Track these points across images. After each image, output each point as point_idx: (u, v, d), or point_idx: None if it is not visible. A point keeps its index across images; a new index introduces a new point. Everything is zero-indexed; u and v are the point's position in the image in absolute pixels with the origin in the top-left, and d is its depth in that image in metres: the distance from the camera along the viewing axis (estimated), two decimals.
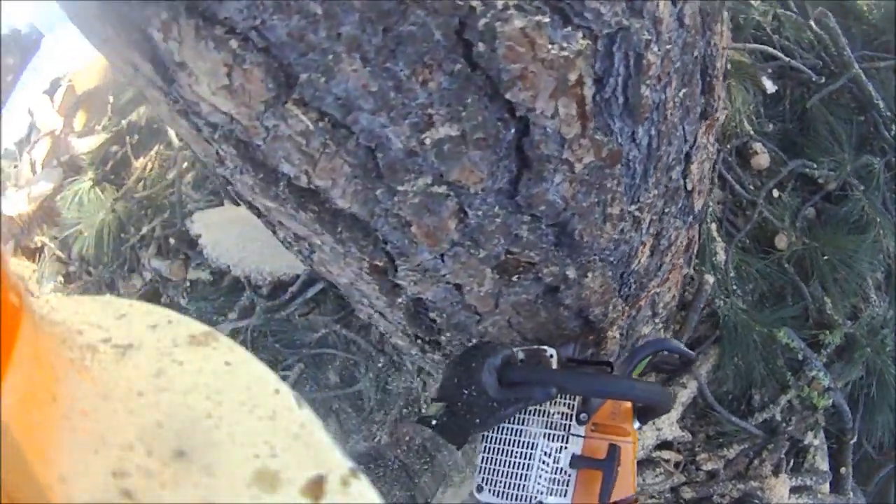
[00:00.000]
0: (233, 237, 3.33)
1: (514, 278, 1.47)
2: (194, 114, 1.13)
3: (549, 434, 1.42)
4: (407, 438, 1.31)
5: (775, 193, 3.10)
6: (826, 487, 2.80)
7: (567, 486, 1.41)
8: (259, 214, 1.54)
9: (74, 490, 0.50)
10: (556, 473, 1.41)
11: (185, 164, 3.71)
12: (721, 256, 2.83)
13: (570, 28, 1.02)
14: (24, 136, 4.60)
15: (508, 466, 1.41)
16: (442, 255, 1.35)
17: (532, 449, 1.41)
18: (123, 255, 3.72)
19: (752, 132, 3.11)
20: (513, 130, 1.12)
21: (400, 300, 1.57)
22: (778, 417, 2.80)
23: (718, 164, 2.97)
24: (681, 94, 1.34)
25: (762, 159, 3.08)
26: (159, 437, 0.54)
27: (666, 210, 1.62)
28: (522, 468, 1.41)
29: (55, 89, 4.48)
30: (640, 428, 1.59)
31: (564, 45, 1.02)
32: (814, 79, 3.26)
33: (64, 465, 0.51)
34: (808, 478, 2.75)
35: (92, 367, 0.59)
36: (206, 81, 1.02)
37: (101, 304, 0.65)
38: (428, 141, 1.09)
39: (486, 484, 1.42)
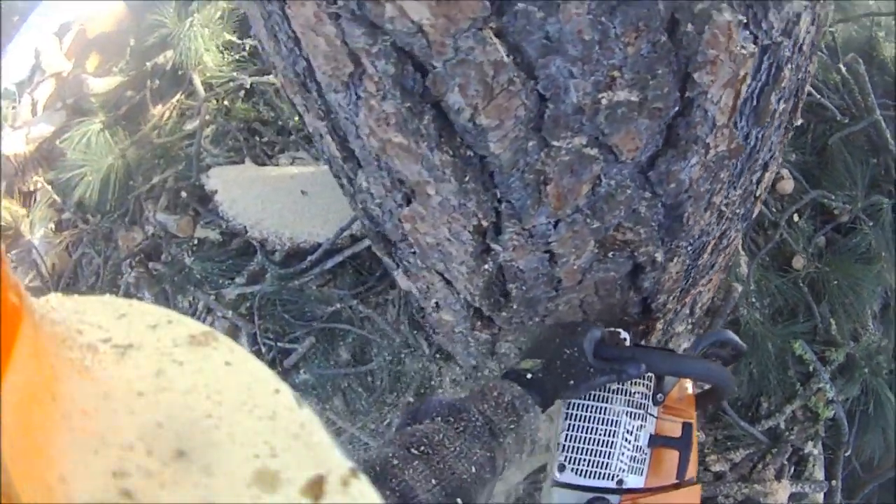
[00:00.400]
0: (252, 197, 2.93)
1: (611, 254, 1.42)
2: (356, 19, 0.97)
3: (631, 413, 1.37)
4: (495, 394, 1.21)
5: (795, 218, 3.07)
6: (820, 497, 2.74)
7: (644, 464, 1.36)
8: (347, 157, 1.39)
9: (74, 490, 0.46)
10: (636, 451, 1.36)
11: (208, 116, 3.30)
12: (744, 270, 2.80)
13: (748, 32, 1.02)
14: (27, 77, 4.15)
15: (593, 444, 1.35)
16: (557, 222, 1.29)
17: (616, 426, 1.36)
18: (127, 205, 3.28)
19: (780, 161, 2.91)
20: (678, 107, 1.09)
21: (486, 266, 1.48)
22: (782, 426, 2.76)
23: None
24: (781, 108, 1.31)
25: (787, 185, 3.04)
26: (159, 437, 0.50)
27: (738, 211, 1.58)
28: (607, 446, 1.35)
29: (65, 32, 4.11)
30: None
31: (745, 45, 1.02)
32: (838, 118, 3.19)
33: (64, 465, 0.47)
34: (807, 485, 2.68)
35: (92, 367, 0.54)
36: None
37: (101, 304, 0.59)
38: (604, 102, 1.04)
39: (570, 462, 1.35)
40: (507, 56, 0.96)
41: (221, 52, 3.46)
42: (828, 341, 2.80)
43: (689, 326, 2.28)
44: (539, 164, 1.14)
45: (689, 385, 1.48)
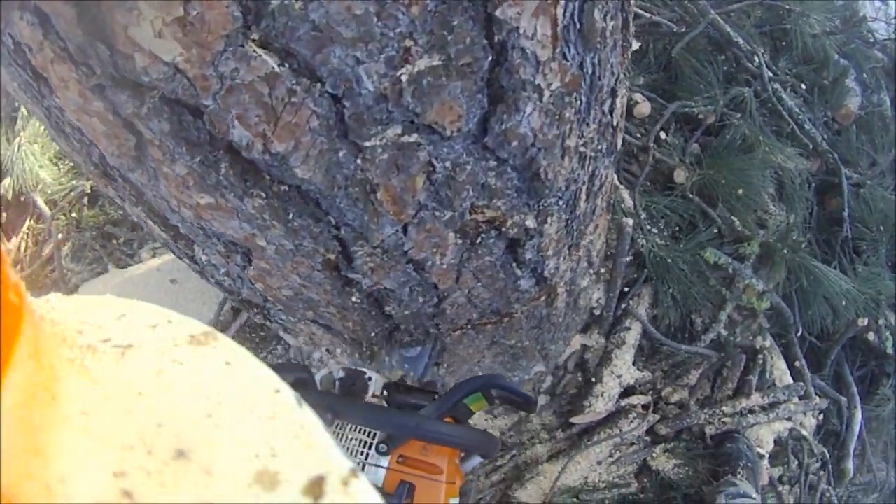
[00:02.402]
0: None
1: (478, 240, 1.32)
2: (118, 82, 0.88)
3: None
4: None
5: (662, 135, 3.15)
6: (795, 400, 2.88)
7: None
8: (176, 236, 1.32)
9: (74, 490, 0.47)
10: None
11: (61, 235, 3.35)
12: (629, 202, 2.84)
13: None
14: None
15: None
16: (406, 227, 1.18)
17: None
18: None
19: (628, 85, 3.07)
20: (491, 58, 0.97)
21: (353, 300, 1.41)
22: (724, 332, 2.87)
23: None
24: (611, 25, 1.24)
25: (644, 107, 3.11)
26: (159, 437, 0.51)
27: (599, 147, 1.49)
28: None
29: None
30: (477, 464, 1.49)
31: None
32: (674, 30, 3.34)
33: (64, 465, 0.48)
34: (781, 393, 2.81)
35: (92, 367, 0.54)
36: (153, 16, 0.78)
37: (101, 304, 0.60)
38: (405, 78, 0.92)
39: None
40: (280, 65, 0.85)
41: (56, 164, 3.49)
42: (737, 239, 2.90)
43: (593, 277, 2.24)
44: (359, 172, 1.03)
45: None
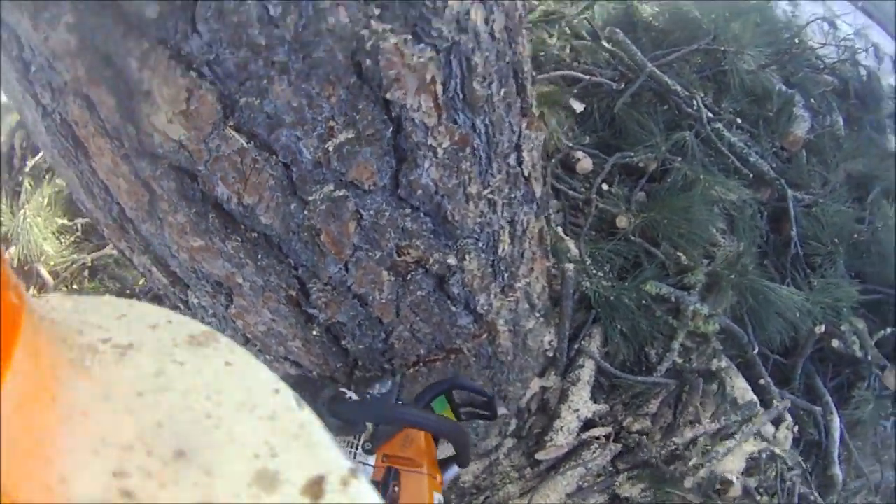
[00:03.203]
0: None
1: (408, 277, 1.67)
2: (140, 153, 1.29)
3: None
4: None
5: (605, 187, 3.41)
6: (760, 419, 3.01)
7: None
8: (174, 281, 1.68)
9: (74, 490, 0.50)
10: None
11: None
12: (574, 251, 3.06)
13: (422, 44, 1.28)
14: None
15: None
16: (346, 265, 1.55)
17: None
18: None
19: (570, 145, 3.42)
20: (391, 128, 1.35)
21: (314, 332, 1.73)
22: (679, 360, 3.02)
23: (548, 177, 3.27)
24: (502, 93, 1.58)
25: (585, 163, 3.38)
26: (159, 437, 0.54)
27: (512, 195, 1.84)
28: None
29: None
30: (456, 473, 1.66)
31: (420, 55, 1.28)
32: (615, 87, 3.61)
33: (64, 465, 0.51)
34: (734, 413, 2.96)
35: (92, 368, 0.58)
36: (166, 109, 1.19)
37: (101, 304, 0.65)
38: (331, 148, 1.31)
39: None
40: (247, 142, 1.25)
41: (58, 238, 3.76)
42: (681, 270, 3.11)
43: (541, 319, 2.51)
44: (306, 220, 1.41)
45: (417, 434, 1.55)
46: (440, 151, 1.45)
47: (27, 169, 4.07)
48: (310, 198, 1.39)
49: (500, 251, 1.88)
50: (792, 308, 3.17)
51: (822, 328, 3.32)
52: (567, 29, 3.91)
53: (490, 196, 1.70)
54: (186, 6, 1.08)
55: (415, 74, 1.29)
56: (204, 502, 0.51)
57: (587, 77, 3.64)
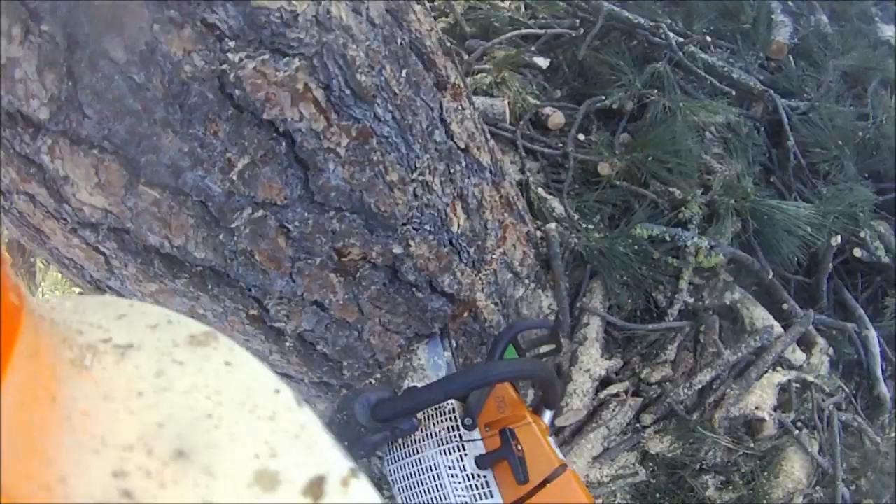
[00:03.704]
0: None
1: (357, 274, 1.81)
2: (81, 224, 1.52)
3: (444, 450, 1.55)
4: None
5: (582, 137, 3.47)
6: (779, 343, 3.00)
7: (489, 486, 1.52)
8: None
9: (74, 490, 0.51)
10: (469, 480, 1.52)
11: None
12: (559, 209, 3.09)
13: (287, 58, 1.44)
14: None
15: (426, 494, 1.52)
16: (291, 276, 1.70)
17: (436, 469, 1.53)
18: None
19: (537, 103, 3.49)
20: (284, 143, 1.52)
21: (287, 343, 1.88)
22: (690, 300, 3.04)
23: (518, 140, 3.34)
24: (403, 74, 1.72)
25: (556, 118, 3.45)
26: (159, 437, 0.55)
27: (451, 170, 1.97)
28: (438, 489, 1.52)
29: None
30: (552, 416, 1.73)
31: (286, 69, 1.44)
32: (574, 35, 3.70)
33: (64, 465, 0.53)
34: (753, 339, 2.96)
35: (92, 368, 0.60)
36: (84, 185, 1.41)
37: (101, 304, 0.67)
38: (234, 177, 1.49)
39: None
40: (161, 193, 1.44)
41: None
42: (676, 206, 3.10)
43: (531, 285, 2.61)
44: (237, 246, 1.58)
45: (506, 390, 1.62)
46: (341, 151, 1.60)
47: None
48: (233, 225, 1.56)
49: (454, 228, 2.00)
50: (801, 223, 3.13)
51: (838, 239, 3.25)
52: None
53: (420, 178, 1.82)
54: (71, 98, 1.29)
55: (284, 89, 1.45)
56: (204, 502, 0.53)
57: (544, 31, 3.74)
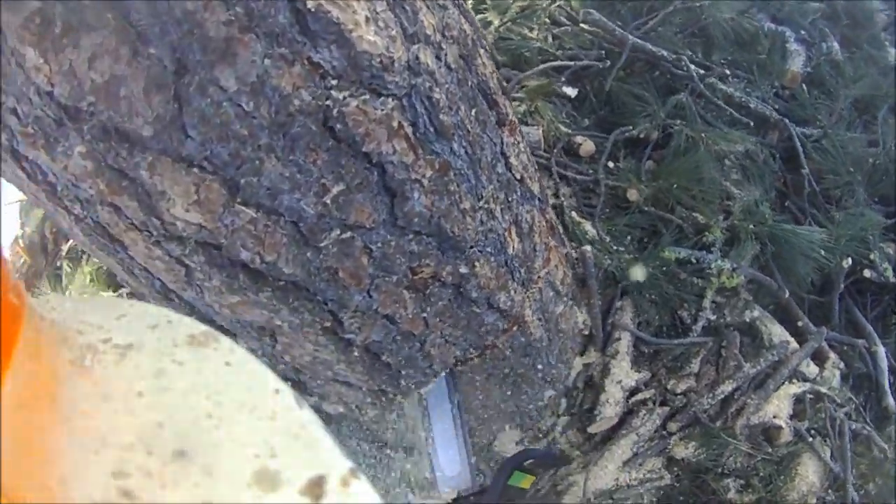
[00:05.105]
0: None
1: (427, 291, 1.91)
2: (167, 237, 1.55)
3: None
4: None
5: (611, 165, 3.56)
6: (794, 358, 3.12)
7: None
8: (221, 332, 1.92)
9: (74, 490, 0.52)
10: None
11: None
12: (592, 232, 3.21)
13: (382, 98, 1.53)
14: None
15: None
16: (369, 292, 1.79)
17: None
18: None
19: (568, 132, 3.58)
20: (376, 173, 1.61)
21: (355, 354, 1.98)
22: (712, 317, 3.17)
23: (553, 168, 3.45)
24: (473, 113, 1.84)
25: (587, 146, 3.54)
26: (159, 437, 0.55)
27: (510, 198, 2.09)
28: None
29: None
30: None
31: (382, 108, 1.53)
32: (601, 66, 3.75)
33: (64, 465, 0.53)
34: (770, 353, 3.08)
35: (92, 368, 0.60)
36: (181, 201, 1.45)
37: (101, 305, 0.69)
38: (328, 201, 1.57)
39: None
40: (256, 212, 1.51)
41: None
42: (699, 230, 3.24)
43: (569, 303, 2.76)
44: (323, 263, 1.66)
45: None
46: (425, 182, 1.70)
47: (63, 253, 4.31)
48: (321, 244, 1.64)
49: (510, 250, 2.12)
50: (815, 246, 3.26)
51: (849, 261, 3.38)
52: (546, 19, 4.04)
53: (486, 206, 1.94)
54: (175, 120, 1.35)
55: (382, 126, 1.55)
56: (204, 502, 0.53)
57: (573, 63, 3.79)
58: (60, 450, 0.55)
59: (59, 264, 4.28)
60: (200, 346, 0.66)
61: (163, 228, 1.53)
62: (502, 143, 2.04)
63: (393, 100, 1.56)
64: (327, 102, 1.46)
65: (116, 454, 0.55)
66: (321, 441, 0.59)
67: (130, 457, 0.55)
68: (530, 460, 1.87)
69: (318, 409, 2.66)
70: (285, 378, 2.13)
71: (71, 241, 4.29)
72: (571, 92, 3.78)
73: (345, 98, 1.47)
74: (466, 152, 1.82)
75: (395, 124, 1.58)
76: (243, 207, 1.51)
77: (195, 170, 1.43)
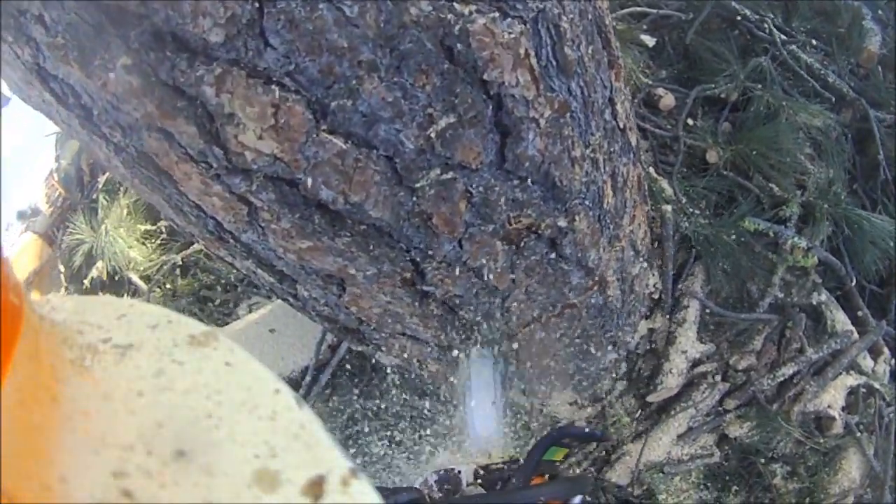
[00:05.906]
0: None
1: (521, 244, 1.71)
2: (231, 171, 1.32)
3: None
4: None
5: (690, 122, 3.38)
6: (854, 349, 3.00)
7: None
8: (281, 279, 1.74)
9: (74, 490, 0.51)
10: None
11: (159, 304, 3.64)
12: (669, 191, 3.06)
13: (510, 19, 1.30)
14: None
15: None
16: (460, 242, 1.58)
17: None
18: None
19: (649, 82, 3.40)
20: (490, 108, 1.37)
21: (432, 308, 1.79)
22: (780, 294, 3.03)
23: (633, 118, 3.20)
24: (590, 51, 1.61)
25: (668, 100, 3.36)
26: (159, 437, 0.54)
27: (611, 149, 1.87)
28: None
29: None
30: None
31: (510, 30, 1.29)
32: (683, 18, 3.59)
33: (64, 465, 0.52)
34: (833, 341, 2.97)
35: (92, 368, 0.59)
36: (254, 127, 1.22)
37: (101, 304, 0.66)
38: (433, 135, 1.34)
39: None
40: (345, 143, 1.27)
41: (143, 244, 3.92)
42: (775, 203, 3.10)
43: (644, 264, 2.57)
44: (416, 206, 1.44)
45: None
46: (542, 122, 1.47)
47: (100, 185, 4.22)
48: (417, 185, 1.42)
49: (605, 205, 1.91)
50: (885, 236, 3.15)
51: None
52: None
53: (592, 155, 1.72)
54: (252, 23, 1.10)
55: (509, 51, 1.31)
56: (204, 502, 0.52)
57: (655, 11, 3.63)
58: (60, 450, 0.53)
59: (94, 197, 4.17)
60: (200, 346, 0.63)
61: (226, 160, 1.29)
62: (612, 87, 1.81)
63: (520, 23, 1.32)
64: (449, 16, 1.21)
65: (116, 454, 0.53)
66: (321, 441, 0.57)
67: (130, 457, 0.53)
68: (568, 437, 1.67)
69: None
70: (343, 328, 1.95)
71: (107, 173, 4.15)
72: (650, 41, 3.59)
73: (470, 13, 1.24)
74: (582, 94, 1.59)
75: (521, 51, 1.34)
76: (330, 137, 1.27)
77: (275, 87, 1.18)
